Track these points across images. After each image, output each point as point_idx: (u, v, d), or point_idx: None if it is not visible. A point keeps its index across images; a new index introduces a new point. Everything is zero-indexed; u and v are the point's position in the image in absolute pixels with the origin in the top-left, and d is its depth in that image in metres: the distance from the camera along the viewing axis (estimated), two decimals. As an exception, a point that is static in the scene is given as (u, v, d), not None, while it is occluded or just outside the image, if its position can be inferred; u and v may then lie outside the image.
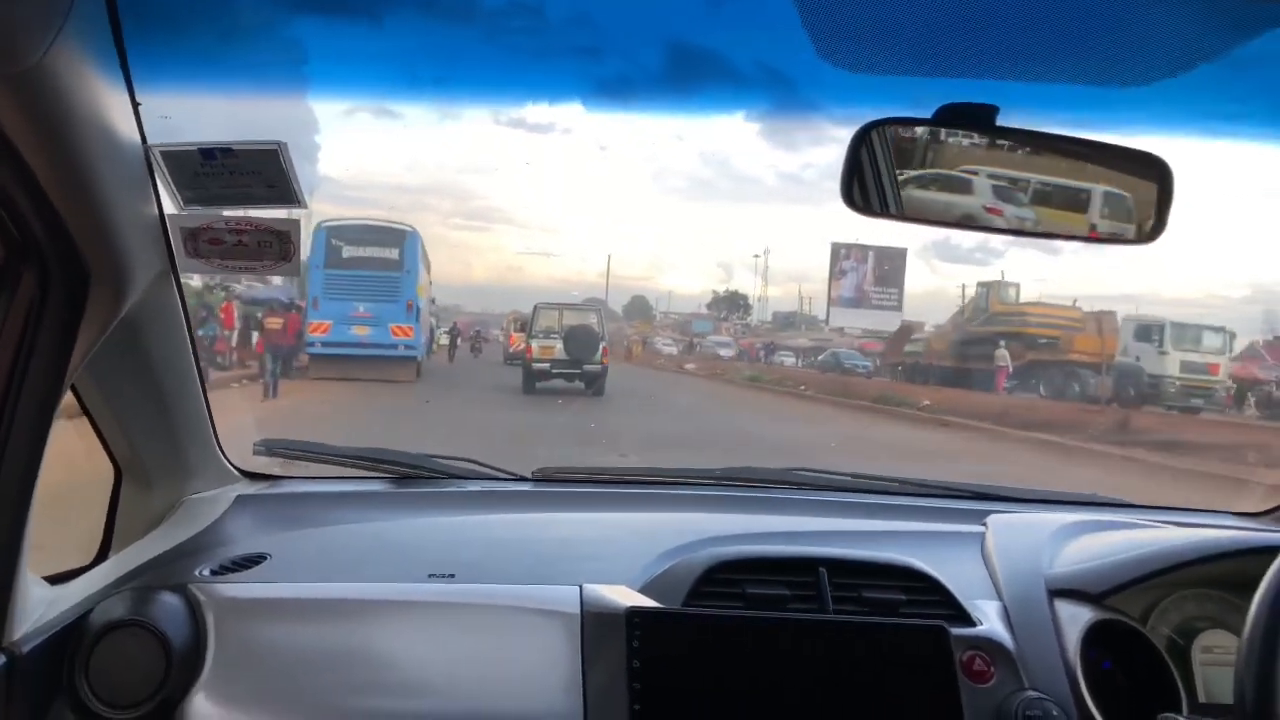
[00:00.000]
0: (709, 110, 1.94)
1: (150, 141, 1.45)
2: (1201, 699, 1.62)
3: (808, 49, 1.24)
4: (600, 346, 19.94)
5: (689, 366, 32.82)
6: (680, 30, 1.66)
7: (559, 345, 19.82)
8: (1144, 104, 1.41)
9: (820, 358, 33.99)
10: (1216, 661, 1.66)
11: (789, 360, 37.35)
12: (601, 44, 1.65)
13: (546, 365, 19.73)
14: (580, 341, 19.77)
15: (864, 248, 39.53)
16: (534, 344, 20.18)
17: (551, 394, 19.18)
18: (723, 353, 40.03)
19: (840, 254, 40.65)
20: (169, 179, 1.52)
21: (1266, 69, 1.33)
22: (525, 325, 25.01)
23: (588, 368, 19.65)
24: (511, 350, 26.30)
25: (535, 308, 21.71)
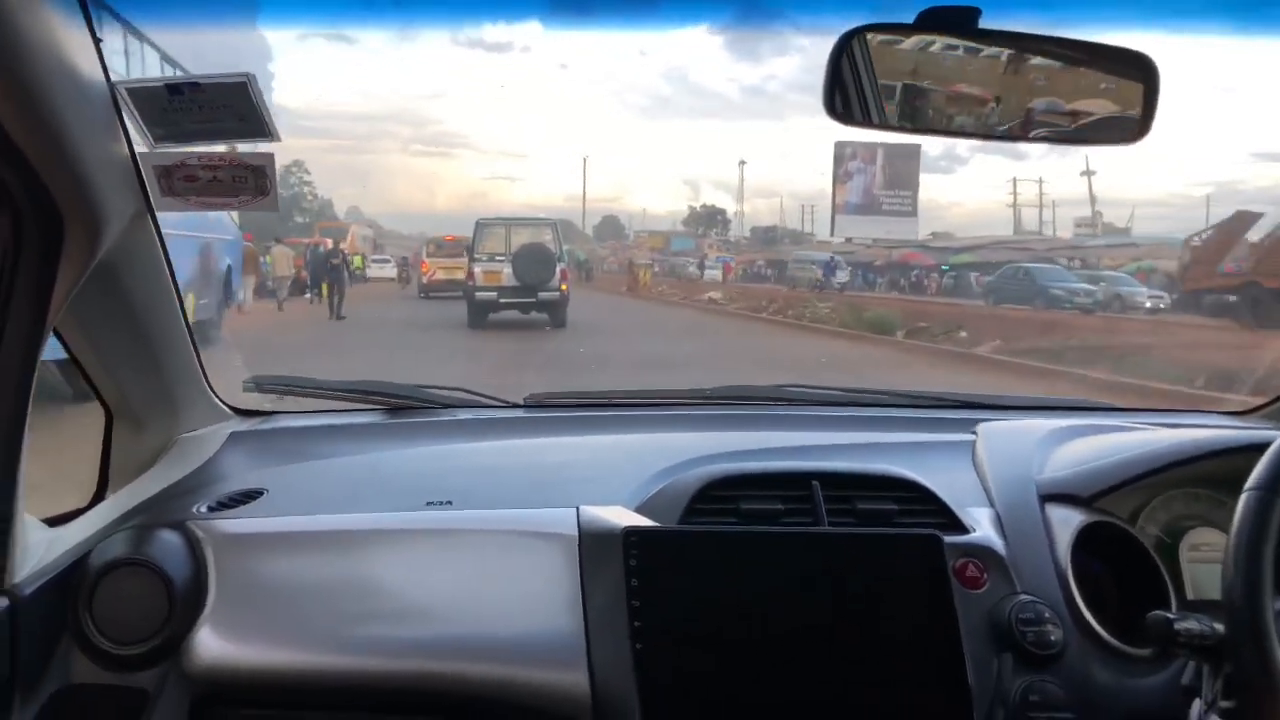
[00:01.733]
0: (672, 22, 1.89)
1: (115, 79, 1.42)
2: (1190, 596, 1.65)
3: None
4: (557, 269, 17.05)
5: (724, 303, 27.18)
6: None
7: (507, 269, 16.89)
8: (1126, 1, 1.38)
9: (993, 279, 27.18)
10: (1204, 559, 1.68)
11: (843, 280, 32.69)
12: None
13: (493, 294, 16.88)
14: (532, 263, 16.76)
15: (872, 146, 35.16)
16: (476, 268, 17.20)
17: (503, 328, 16.43)
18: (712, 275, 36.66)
19: (846, 154, 36.17)
20: (137, 116, 1.49)
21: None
22: (441, 249, 23.39)
23: (543, 295, 16.76)
24: (426, 281, 24.15)
25: (477, 224, 18.54)
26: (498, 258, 17.31)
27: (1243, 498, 1.25)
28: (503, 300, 16.84)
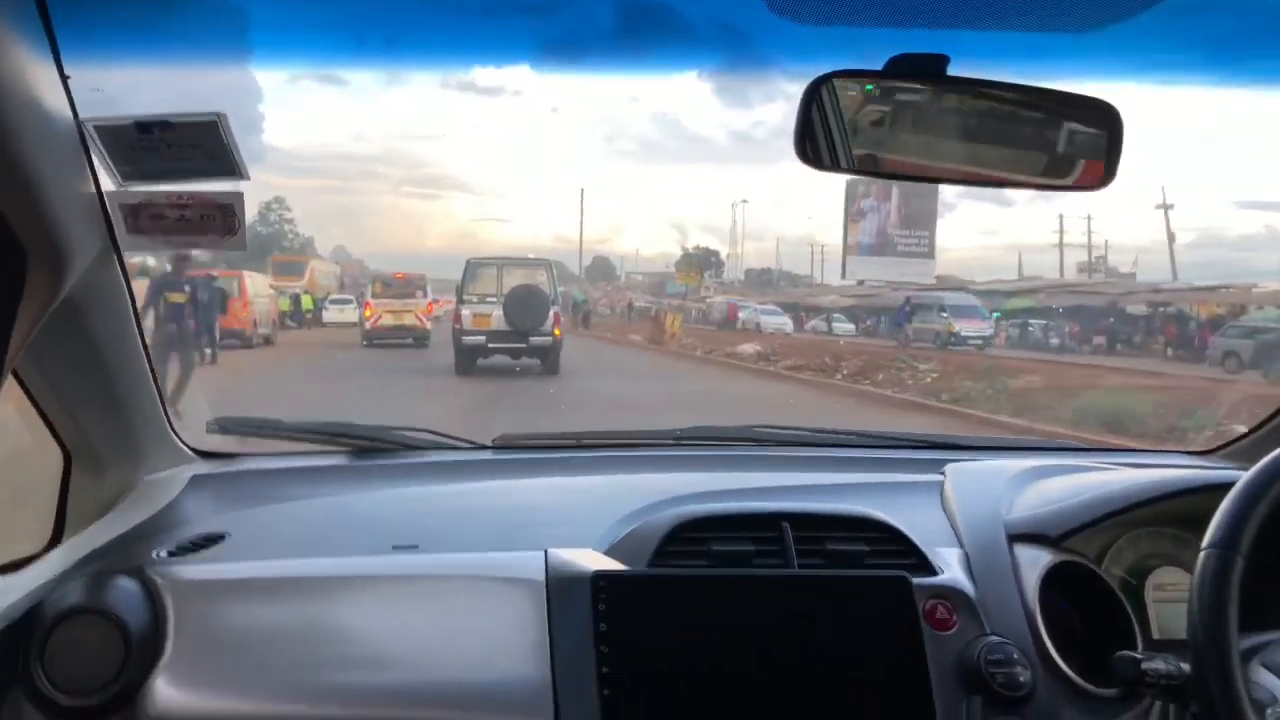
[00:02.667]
0: (662, 69, 1.90)
1: (83, 116, 1.41)
2: (1155, 635, 1.66)
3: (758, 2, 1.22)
4: (550, 312, 16.00)
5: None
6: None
7: (497, 312, 15.77)
8: (1094, 51, 1.42)
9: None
10: (1169, 598, 1.70)
11: (845, 327, 29.87)
12: (552, 1, 1.61)
13: (481, 339, 15.83)
14: (523, 306, 15.68)
15: (886, 184, 30.99)
16: (465, 311, 16.04)
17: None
18: (770, 323, 30.33)
19: (858, 192, 34.38)
20: (105, 155, 1.47)
21: (1213, 13, 1.34)
22: (390, 287, 21.12)
23: (535, 340, 15.76)
24: (369, 325, 20.52)
25: (467, 264, 17.31)
26: (488, 299, 16.21)
27: (1201, 556, 1.26)
28: (491, 345, 15.85)
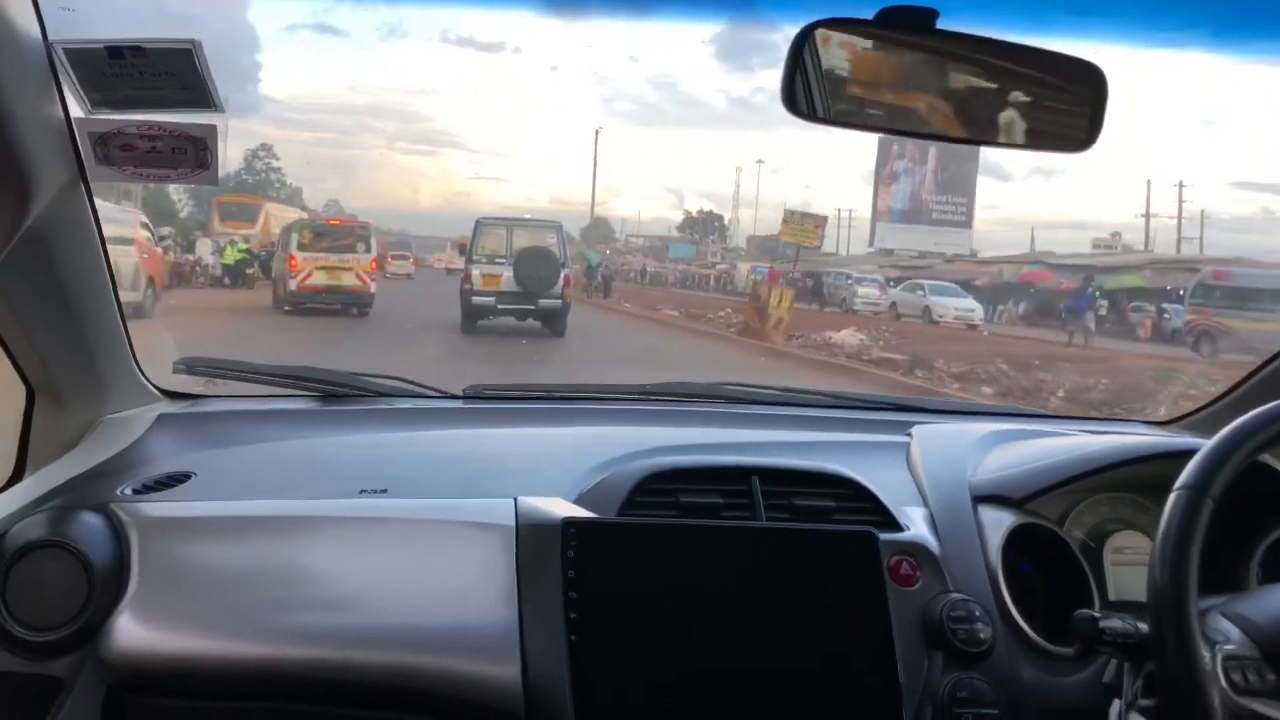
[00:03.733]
0: (663, 19, 1.88)
1: (52, 37, 1.36)
2: (1112, 597, 1.70)
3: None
4: (561, 275, 15.89)
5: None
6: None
7: (507, 273, 15.73)
8: (1082, 13, 1.42)
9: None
10: (1126, 561, 1.73)
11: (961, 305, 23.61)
12: None
13: (490, 299, 15.74)
14: (534, 268, 15.61)
15: (923, 144, 27.13)
16: (474, 271, 16.00)
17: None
18: (867, 295, 25.84)
19: (892, 154, 30.42)
20: (74, 79, 1.43)
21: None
22: (322, 238, 18.25)
23: (544, 302, 15.67)
24: (295, 285, 17.15)
25: (477, 224, 17.17)
26: (498, 260, 16.03)
27: (1172, 496, 1.28)
28: (500, 306, 15.70)
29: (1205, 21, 1.57)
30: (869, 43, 1.36)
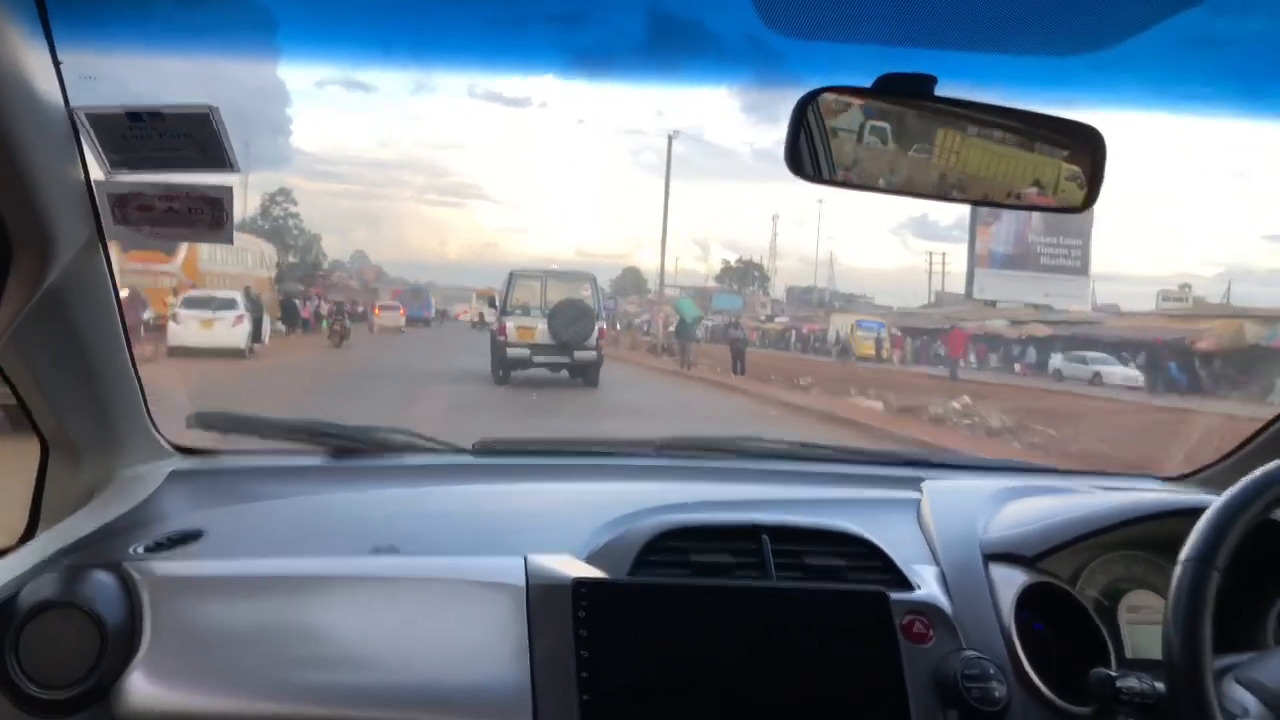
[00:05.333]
0: (689, 82, 1.91)
1: (74, 103, 1.41)
2: (1129, 655, 1.68)
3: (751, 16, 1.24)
4: (596, 327, 15.86)
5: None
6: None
7: (541, 325, 15.67)
8: (1080, 76, 1.44)
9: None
10: (1142, 620, 1.72)
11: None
12: (582, 10, 1.62)
13: (525, 351, 15.64)
14: (570, 321, 15.57)
15: None
16: (509, 323, 15.90)
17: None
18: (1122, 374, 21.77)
19: None
20: (95, 142, 1.47)
21: (1208, 45, 1.36)
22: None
23: (579, 355, 15.63)
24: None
25: (511, 276, 17.16)
26: (532, 312, 16.07)
27: (1178, 569, 1.28)
28: (536, 358, 15.63)
29: (1187, 77, 1.59)
30: (868, 110, 1.39)
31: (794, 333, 31.03)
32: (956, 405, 15.81)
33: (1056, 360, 25.14)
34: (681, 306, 27.66)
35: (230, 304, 17.80)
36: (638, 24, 1.67)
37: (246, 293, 20.04)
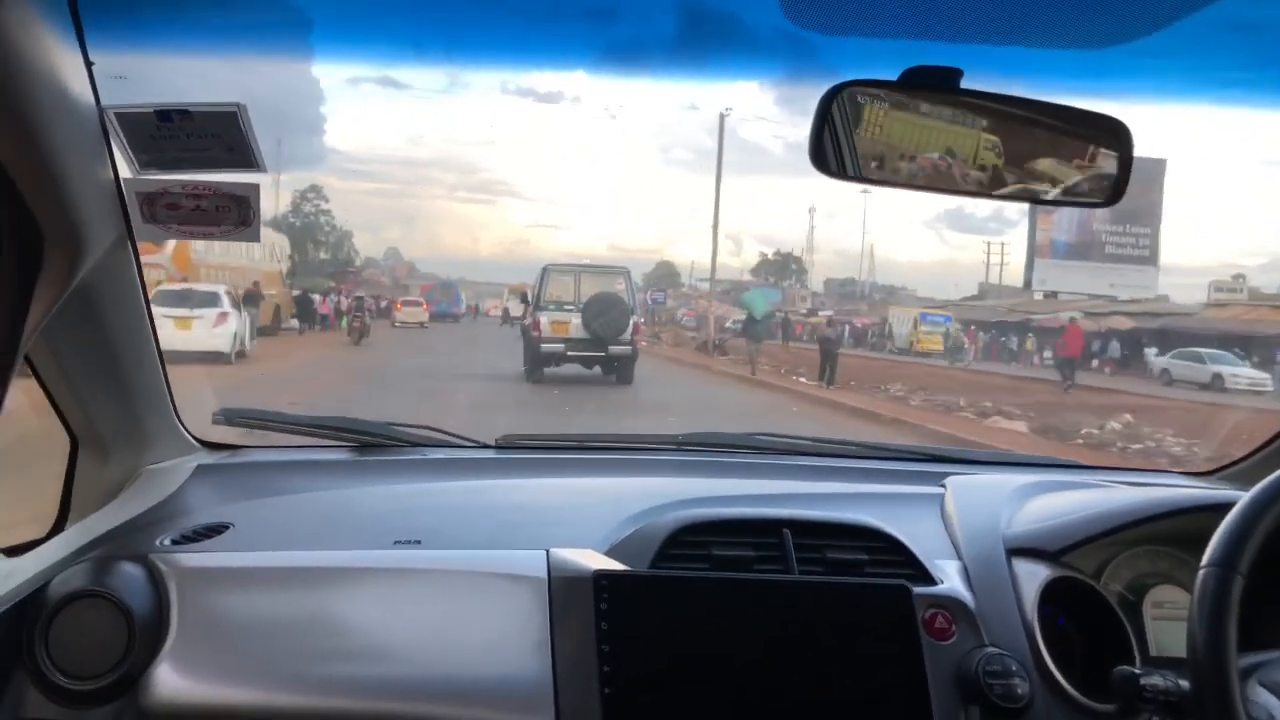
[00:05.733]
0: (721, 76, 1.91)
1: (105, 103, 1.42)
2: (1153, 652, 1.67)
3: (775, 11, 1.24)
4: (631, 322, 15.46)
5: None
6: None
7: (576, 320, 15.40)
8: (1107, 69, 1.43)
9: None
10: (1166, 616, 1.70)
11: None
12: (613, 5, 1.62)
13: (559, 346, 15.34)
14: (604, 315, 15.23)
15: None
16: (543, 318, 15.59)
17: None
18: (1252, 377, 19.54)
19: None
20: (124, 142, 1.48)
21: (1233, 31, 1.35)
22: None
23: (614, 349, 15.26)
24: None
25: (544, 270, 16.79)
26: (566, 307, 15.71)
27: (1200, 574, 1.27)
28: (570, 353, 15.34)
29: (1215, 70, 1.57)
30: (896, 101, 1.38)
31: (845, 327, 27.52)
32: (1117, 425, 13.34)
33: (1161, 359, 22.73)
34: (751, 300, 24.07)
35: (212, 299, 15.73)
36: (669, 18, 1.67)
37: (255, 286, 19.95)
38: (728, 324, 26.19)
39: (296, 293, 27.15)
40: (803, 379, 19.34)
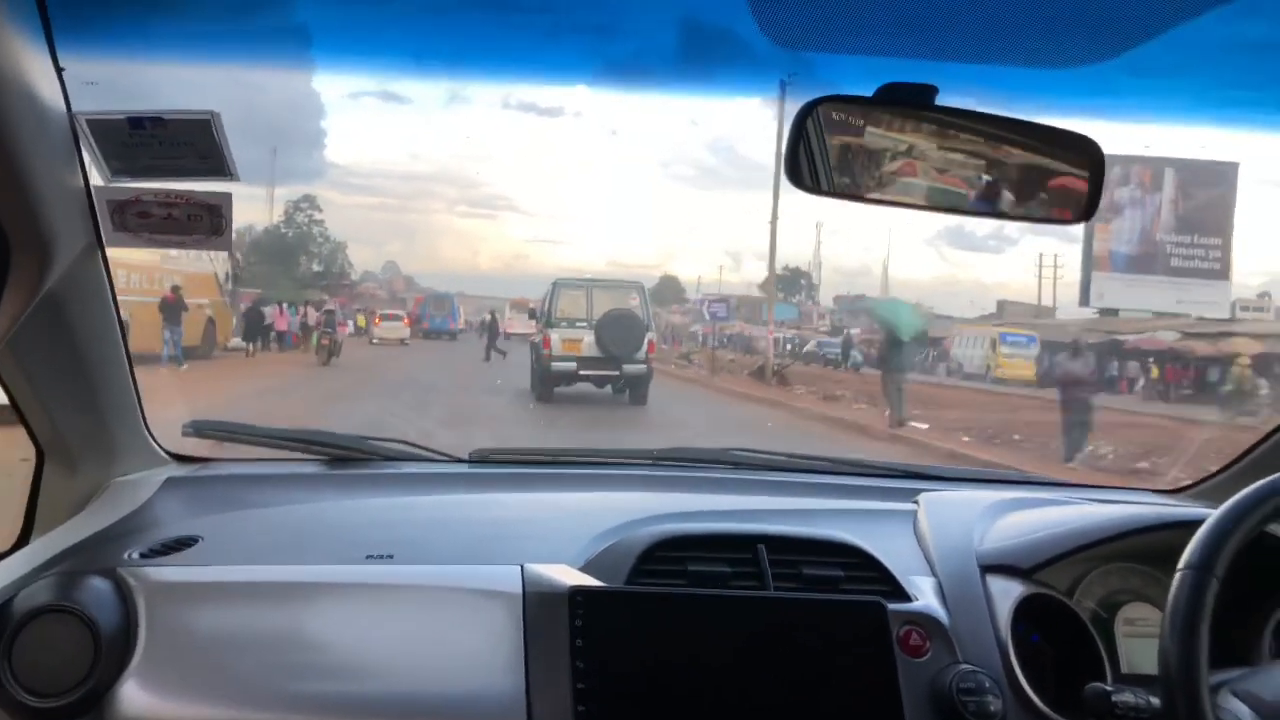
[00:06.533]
0: (723, 92, 1.92)
1: (76, 110, 1.41)
2: (1124, 669, 1.67)
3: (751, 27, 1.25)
4: (645, 339, 14.87)
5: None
6: (693, 7, 1.63)
7: (588, 337, 14.76)
8: (1078, 87, 1.45)
9: None
10: (1138, 633, 1.71)
11: None
12: (613, 21, 1.62)
13: (571, 365, 14.74)
14: (619, 332, 14.60)
15: (1158, 163, 20.92)
16: (553, 335, 14.95)
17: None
18: None
19: (1113, 178, 19.06)
20: (95, 149, 1.47)
21: (1203, 50, 1.37)
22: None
23: (628, 368, 14.66)
24: None
25: (555, 285, 16.12)
26: (578, 323, 15.03)
27: (1177, 576, 1.28)
28: (583, 371, 14.70)
29: (1184, 88, 1.60)
30: (870, 118, 1.39)
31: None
32: None
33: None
34: (892, 311, 18.06)
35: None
36: (669, 34, 1.68)
37: (175, 294, 16.08)
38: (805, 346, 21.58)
39: (246, 305, 23.37)
40: (966, 438, 13.41)
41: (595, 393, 15.00)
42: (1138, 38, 1.30)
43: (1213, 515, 1.31)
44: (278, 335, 22.93)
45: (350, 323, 27.97)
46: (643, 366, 14.80)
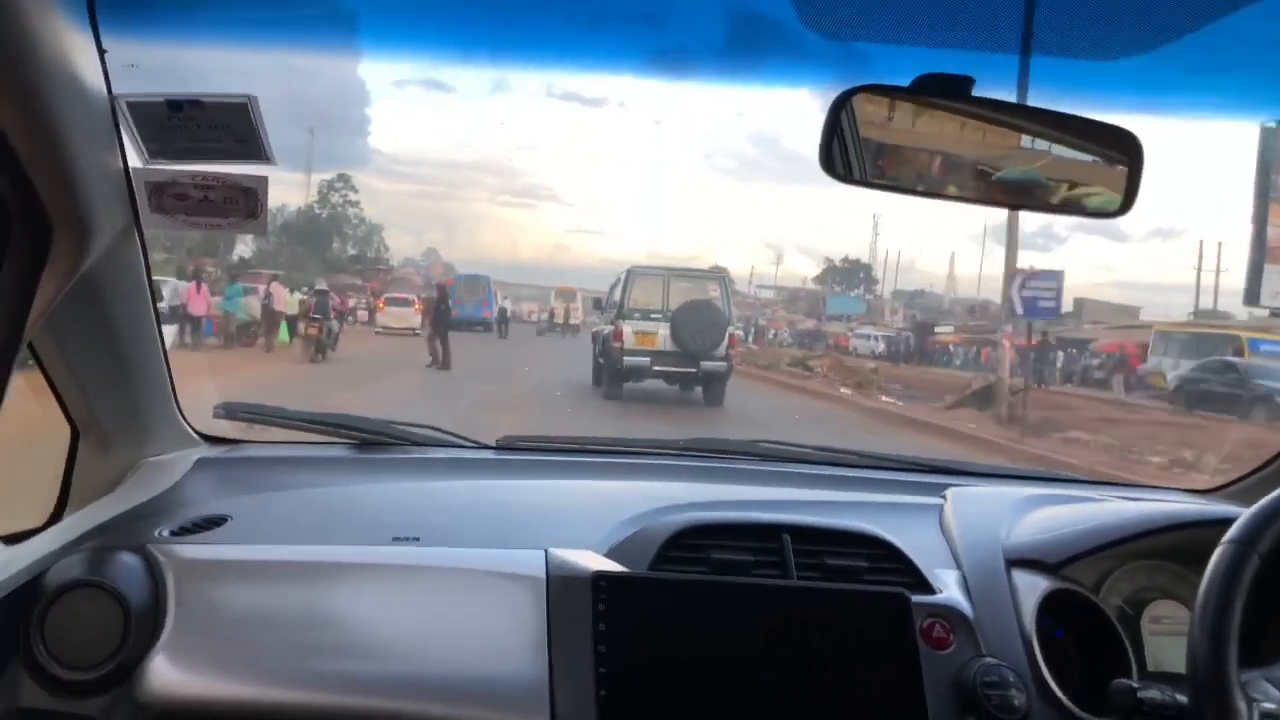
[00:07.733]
0: (768, 83, 1.91)
1: (116, 92, 1.42)
2: (1150, 667, 1.66)
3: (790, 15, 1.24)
4: (726, 334, 13.83)
5: None
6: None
7: (663, 331, 13.77)
8: (1118, 80, 1.43)
9: None
10: (1165, 631, 1.70)
11: None
12: (660, 11, 1.63)
13: (645, 360, 13.73)
14: (696, 326, 13.58)
15: None
16: (627, 328, 13.91)
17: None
18: None
19: None
20: (135, 131, 1.49)
21: (1243, 44, 1.36)
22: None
23: (706, 365, 13.63)
24: None
25: (629, 273, 14.98)
26: (653, 315, 14.02)
27: (1218, 550, 1.26)
28: (656, 367, 13.70)
29: (1225, 82, 1.58)
30: (906, 108, 1.38)
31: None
32: None
33: None
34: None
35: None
36: (715, 24, 1.68)
37: None
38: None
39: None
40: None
41: (667, 390, 14.05)
42: (1177, 31, 1.29)
43: (1266, 497, 1.30)
44: (191, 322, 17.43)
45: (365, 306, 23.78)
46: (722, 364, 13.82)
